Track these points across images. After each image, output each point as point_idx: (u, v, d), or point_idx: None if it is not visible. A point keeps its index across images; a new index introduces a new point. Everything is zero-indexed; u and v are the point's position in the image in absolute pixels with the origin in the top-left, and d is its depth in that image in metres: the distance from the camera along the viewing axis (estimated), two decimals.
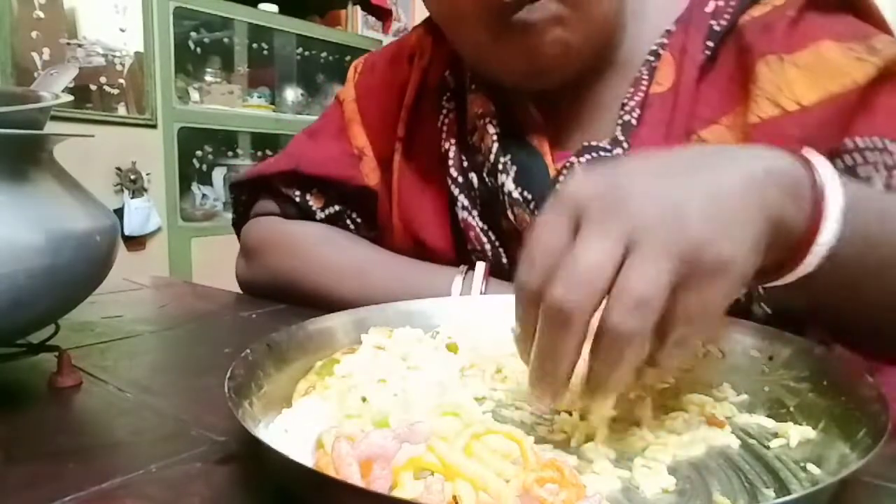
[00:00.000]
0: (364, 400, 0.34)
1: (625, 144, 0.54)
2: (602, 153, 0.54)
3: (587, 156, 0.55)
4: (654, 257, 0.28)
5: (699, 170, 0.31)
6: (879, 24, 0.53)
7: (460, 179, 0.61)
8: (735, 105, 0.51)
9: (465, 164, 0.61)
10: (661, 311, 0.28)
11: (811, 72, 0.49)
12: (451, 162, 0.62)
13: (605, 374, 0.29)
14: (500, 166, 0.57)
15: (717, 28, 0.53)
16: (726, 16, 0.53)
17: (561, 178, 0.55)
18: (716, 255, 0.28)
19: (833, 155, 0.47)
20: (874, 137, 0.47)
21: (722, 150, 0.36)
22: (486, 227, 0.60)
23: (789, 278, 0.35)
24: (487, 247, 0.59)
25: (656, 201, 0.29)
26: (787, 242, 0.33)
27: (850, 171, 0.47)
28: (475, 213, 0.60)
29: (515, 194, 0.56)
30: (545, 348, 0.29)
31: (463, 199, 0.61)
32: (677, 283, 0.28)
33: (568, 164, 0.55)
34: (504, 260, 0.59)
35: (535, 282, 0.29)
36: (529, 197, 0.56)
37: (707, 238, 0.28)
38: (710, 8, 0.54)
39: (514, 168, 0.57)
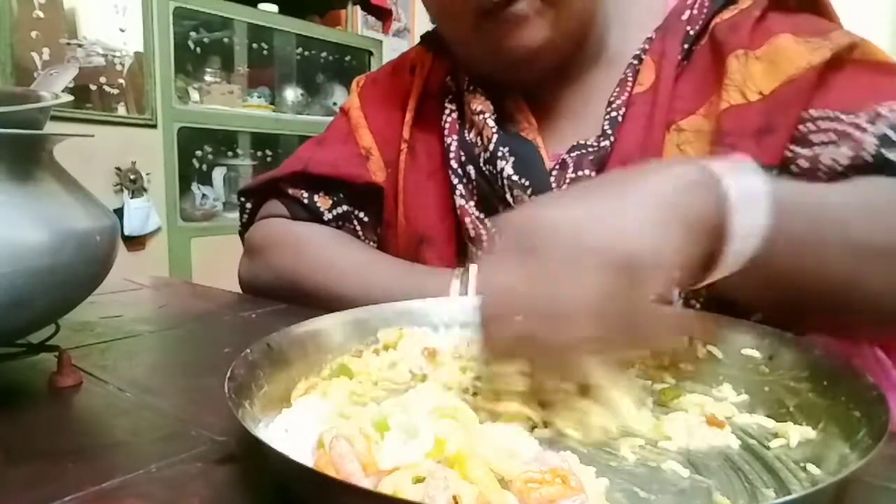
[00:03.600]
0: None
1: (611, 138, 0.59)
2: (590, 149, 0.59)
3: (577, 153, 0.60)
4: (589, 276, 0.31)
5: (614, 194, 0.35)
6: (837, 24, 0.59)
7: (460, 171, 0.66)
8: (709, 96, 0.57)
9: (463, 157, 0.65)
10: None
11: (770, 63, 0.54)
12: (452, 155, 0.66)
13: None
14: (500, 153, 0.61)
15: (691, 32, 0.59)
16: (699, 22, 0.60)
17: (554, 171, 0.60)
18: (640, 263, 0.32)
19: (794, 127, 0.53)
20: (827, 110, 0.52)
21: (634, 174, 0.38)
22: (481, 216, 0.64)
23: (718, 273, 0.37)
24: (483, 233, 0.63)
25: (574, 230, 0.33)
26: (709, 238, 0.36)
27: (804, 139, 0.52)
28: (472, 203, 0.64)
29: (515, 178, 0.60)
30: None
31: (461, 189, 0.65)
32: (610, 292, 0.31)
33: (561, 162, 0.60)
34: None
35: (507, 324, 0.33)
36: (527, 184, 0.60)
37: (633, 250, 0.32)
38: (685, 16, 0.61)
39: (513, 158, 0.61)
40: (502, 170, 0.60)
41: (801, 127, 0.52)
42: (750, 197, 0.36)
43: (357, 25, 2.99)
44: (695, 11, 0.60)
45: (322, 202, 0.72)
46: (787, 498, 0.25)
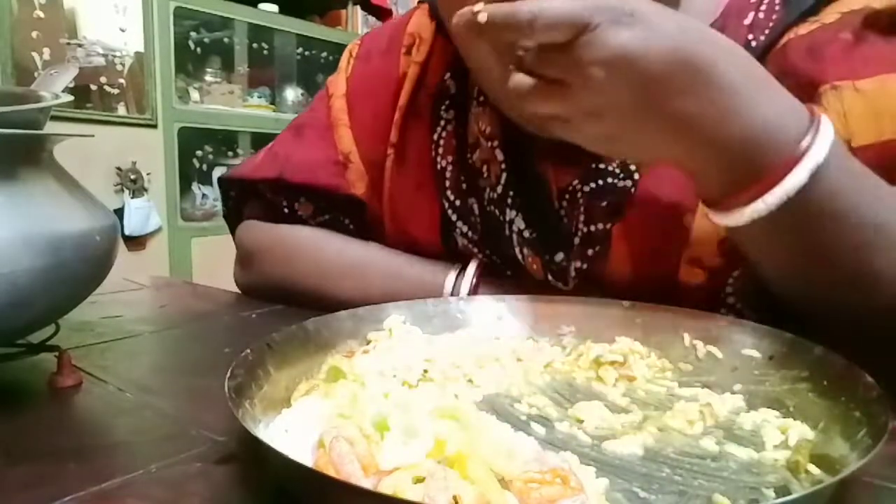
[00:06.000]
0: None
1: (636, 175, 0.50)
2: (610, 178, 0.51)
3: (592, 184, 0.52)
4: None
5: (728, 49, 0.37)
6: None
7: (458, 203, 0.59)
8: None
9: (465, 186, 0.59)
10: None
11: (871, 106, 0.44)
12: (447, 182, 0.59)
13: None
14: (509, 201, 0.56)
15: (753, 44, 0.48)
16: (766, 31, 0.48)
17: (564, 206, 0.53)
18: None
19: None
20: None
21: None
22: (489, 254, 0.58)
23: (768, 199, 0.36)
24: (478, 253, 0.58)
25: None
26: (775, 151, 0.36)
27: None
28: (476, 238, 0.58)
29: (526, 234, 0.55)
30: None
31: (462, 226, 0.59)
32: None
33: (571, 191, 0.53)
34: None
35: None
36: (535, 236, 0.54)
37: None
38: (748, 20, 0.49)
39: (524, 212, 0.55)
40: (512, 220, 0.55)
41: None
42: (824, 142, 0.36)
43: (357, 25, 3.00)
44: (761, 15, 0.49)
45: (303, 210, 0.68)
46: (787, 498, 0.25)
